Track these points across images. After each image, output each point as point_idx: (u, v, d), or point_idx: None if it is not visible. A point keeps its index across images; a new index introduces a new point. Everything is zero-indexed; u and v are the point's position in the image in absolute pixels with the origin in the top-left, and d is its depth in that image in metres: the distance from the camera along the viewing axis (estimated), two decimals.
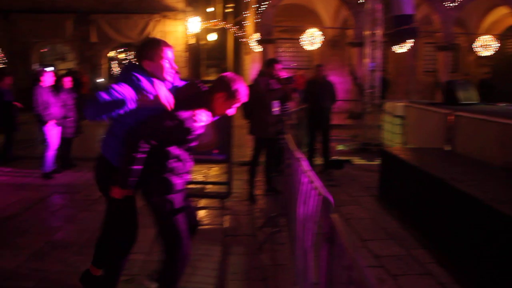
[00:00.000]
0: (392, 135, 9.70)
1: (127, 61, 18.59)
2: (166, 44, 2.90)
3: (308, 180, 2.74)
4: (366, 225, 5.22)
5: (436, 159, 5.86)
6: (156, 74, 2.79)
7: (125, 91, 2.57)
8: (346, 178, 7.59)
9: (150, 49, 2.83)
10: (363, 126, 10.92)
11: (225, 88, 2.81)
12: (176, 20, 17.74)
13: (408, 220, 5.26)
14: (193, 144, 2.94)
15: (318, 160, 8.27)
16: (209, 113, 2.83)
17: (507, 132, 5.51)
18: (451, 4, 15.30)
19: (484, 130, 5.92)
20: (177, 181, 2.87)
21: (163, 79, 2.82)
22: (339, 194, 6.52)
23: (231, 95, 2.81)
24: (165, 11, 17.60)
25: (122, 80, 2.66)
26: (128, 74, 2.71)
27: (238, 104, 2.88)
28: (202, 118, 2.77)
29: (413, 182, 5.30)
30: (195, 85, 2.95)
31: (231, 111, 2.93)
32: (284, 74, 6.32)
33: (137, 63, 2.84)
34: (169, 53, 2.86)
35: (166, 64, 2.83)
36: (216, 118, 2.95)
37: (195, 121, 2.73)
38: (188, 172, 2.99)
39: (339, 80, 15.57)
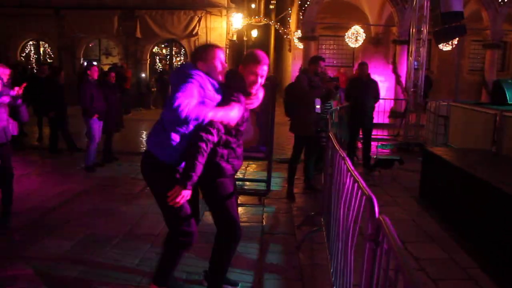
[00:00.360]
0: (435, 135, 9.49)
1: (168, 57, 18.86)
2: (218, 47, 3.11)
3: (353, 179, 2.72)
4: (406, 227, 5.13)
5: (481, 161, 5.70)
6: (209, 74, 2.93)
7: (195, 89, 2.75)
8: (386, 178, 7.48)
9: (204, 51, 3.03)
10: (405, 125, 10.73)
11: (251, 59, 3.06)
12: (219, 17, 17.87)
13: (450, 223, 5.15)
14: (242, 128, 3.13)
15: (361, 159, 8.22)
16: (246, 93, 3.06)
17: None
18: (502, 0, 14.79)
19: None
20: (227, 166, 3.08)
21: (216, 79, 2.96)
22: (379, 194, 6.43)
23: (256, 61, 3.02)
24: (209, 7, 17.76)
25: (186, 78, 2.79)
26: (190, 73, 2.83)
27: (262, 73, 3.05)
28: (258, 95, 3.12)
29: (457, 184, 5.18)
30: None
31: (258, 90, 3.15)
32: (327, 72, 6.29)
33: (192, 63, 3.01)
34: (221, 55, 3.03)
35: (219, 65, 2.99)
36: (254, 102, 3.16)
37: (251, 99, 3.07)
38: (238, 158, 3.17)
39: (382, 78, 15.37)
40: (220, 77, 2.99)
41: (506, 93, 7.22)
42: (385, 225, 1.71)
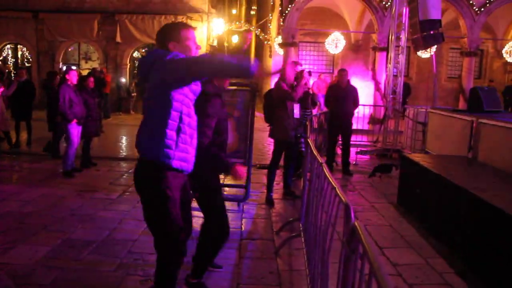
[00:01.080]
0: (413, 141, 9.61)
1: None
2: (191, 26, 2.85)
3: (330, 185, 2.74)
4: (384, 233, 5.17)
5: (458, 167, 5.79)
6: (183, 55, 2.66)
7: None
8: (364, 183, 7.55)
9: (176, 30, 2.71)
10: (384, 131, 10.85)
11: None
12: (200, 22, 17.86)
13: (427, 229, 5.20)
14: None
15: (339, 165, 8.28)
16: None
17: None
18: (479, 9, 15.08)
19: (508, 139, 5.82)
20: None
21: None
22: (357, 200, 6.49)
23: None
24: (190, 12, 17.74)
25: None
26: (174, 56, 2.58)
27: None
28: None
29: (433, 190, 5.25)
30: None
31: None
32: (305, 78, 6.33)
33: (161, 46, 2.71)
34: (194, 34, 2.78)
35: (193, 46, 2.74)
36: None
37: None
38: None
39: (361, 85, 15.51)
40: None
41: (482, 100, 7.34)
42: (360, 231, 1.72)
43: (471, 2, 14.94)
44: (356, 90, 8.33)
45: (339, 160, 8.43)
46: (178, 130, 2.59)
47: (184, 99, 2.62)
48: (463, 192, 4.48)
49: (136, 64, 19.07)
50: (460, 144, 7.02)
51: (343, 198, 2.30)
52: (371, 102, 14.56)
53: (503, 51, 16.21)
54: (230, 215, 5.57)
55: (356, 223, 1.82)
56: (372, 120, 13.74)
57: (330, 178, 2.79)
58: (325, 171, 3.03)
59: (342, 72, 8.23)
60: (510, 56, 15.84)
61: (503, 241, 3.71)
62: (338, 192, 2.46)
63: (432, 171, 5.38)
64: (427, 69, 17.42)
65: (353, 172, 8.17)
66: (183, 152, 2.64)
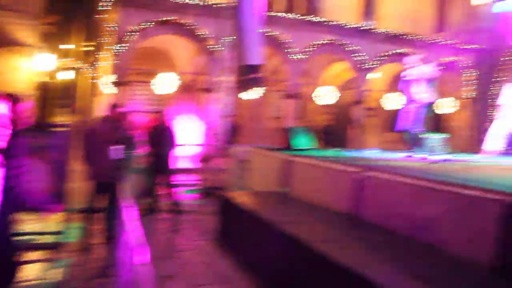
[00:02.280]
0: (237, 179, 10.07)
1: None
2: None
3: (132, 228, 2.77)
4: (203, 270, 5.30)
5: (270, 202, 6.22)
6: None
7: None
8: (188, 222, 7.66)
9: None
10: (210, 170, 11.17)
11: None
12: (26, 56, 16.69)
13: (245, 264, 5.45)
14: None
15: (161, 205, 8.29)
16: None
17: (334, 175, 6.04)
18: (299, 57, 16.59)
19: (313, 174, 6.44)
20: None
21: None
22: (179, 238, 6.57)
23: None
24: (14, 45, 16.50)
25: None
26: None
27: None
28: None
29: (247, 225, 5.54)
30: None
31: None
32: (126, 119, 6.33)
33: None
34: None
35: None
36: None
37: None
38: None
39: (191, 124, 15.89)
40: None
41: (295, 139, 8.06)
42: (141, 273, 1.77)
43: (292, 50, 16.37)
44: (173, 130, 8.55)
45: (162, 200, 8.45)
46: None
47: None
48: (272, 227, 4.81)
49: None
50: (276, 180, 7.56)
51: (137, 241, 2.34)
52: (201, 141, 14.93)
53: (313, 95, 18.01)
54: (44, 266, 5.26)
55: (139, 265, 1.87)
56: (203, 158, 14.07)
57: (132, 221, 2.81)
58: (129, 213, 3.05)
59: (160, 113, 8.46)
60: (324, 99, 17.66)
61: (303, 268, 4.06)
62: (135, 234, 2.49)
63: (246, 208, 5.69)
64: (254, 110, 18.53)
65: (178, 211, 8.24)
66: None
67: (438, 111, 18.10)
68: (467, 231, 3.90)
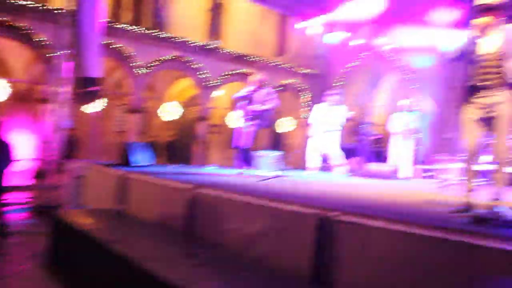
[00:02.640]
0: (73, 196, 9.53)
1: None
2: None
3: None
4: None
5: (104, 221, 5.99)
6: None
7: None
8: (15, 245, 7.05)
9: None
10: (44, 187, 10.44)
11: None
12: None
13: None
14: None
15: None
16: None
17: (168, 192, 6.03)
18: (144, 71, 16.33)
19: (148, 191, 6.37)
20: None
21: None
22: (2, 264, 6.00)
23: None
24: None
25: None
26: None
27: None
28: None
29: (80, 246, 5.26)
30: None
31: None
32: None
33: None
34: None
35: None
36: None
37: None
38: None
39: (27, 137, 14.70)
40: None
41: (133, 155, 7.89)
42: None
43: (135, 64, 16.06)
44: (9, 144, 7.83)
45: None
46: None
47: None
48: (102, 246, 4.63)
49: None
50: (113, 197, 7.31)
51: None
52: (35, 155, 13.87)
53: (158, 110, 17.92)
54: None
55: None
56: (37, 174, 13.09)
57: None
58: None
59: None
60: (168, 114, 17.64)
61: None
62: None
63: (78, 226, 5.41)
64: (95, 124, 17.77)
65: (3, 233, 7.52)
66: None
67: (277, 130, 19.24)
68: (290, 244, 4.16)
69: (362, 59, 17.02)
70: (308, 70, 19.36)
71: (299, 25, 15.84)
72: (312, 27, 15.19)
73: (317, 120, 10.45)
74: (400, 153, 11.31)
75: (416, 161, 11.97)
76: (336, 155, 10.35)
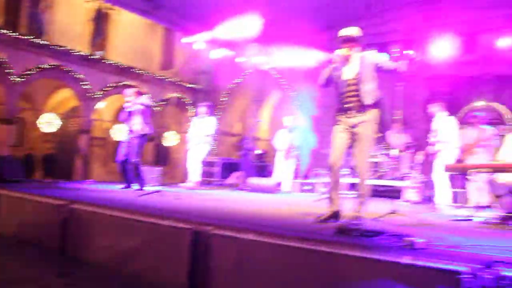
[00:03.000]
0: None
1: None
2: None
3: None
4: None
5: None
6: None
7: None
8: None
9: None
10: None
11: None
12: None
13: None
14: None
15: None
16: None
17: (39, 208, 5.78)
18: (18, 79, 15.34)
19: (20, 207, 6.06)
20: None
21: None
22: None
23: None
24: None
25: None
26: None
27: None
28: None
29: None
30: None
31: None
32: None
33: None
34: None
35: None
36: None
37: None
38: None
39: None
40: None
41: (3, 169, 7.43)
42: None
43: (9, 71, 15.05)
44: None
45: None
46: None
47: None
48: None
49: None
50: None
51: None
52: None
53: (36, 121, 16.92)
54: None
55: None
56: None
57: None
58: None
59: None
60: (47, 126, 16.69)
61: None
62: None
63: None
64: None
65: None
66: None
67: (162, 144, 19.09)
68: (167, 259, 4.22)
69: (246, 76, 17.55)
70: (194, 85, 19.52)
71: (185, 39, 15.93)
72: (197, 42, 15.38)
73: (191, 133, 10.69)
74: (283, 168, 11.86)
75: (297, 176, 12.62)
76: (195, 169, 10.60)
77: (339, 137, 5.18)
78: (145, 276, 4.31)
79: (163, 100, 18.79)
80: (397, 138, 11.59)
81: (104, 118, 18.82)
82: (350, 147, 5.28)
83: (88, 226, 4.95)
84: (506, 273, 2.63)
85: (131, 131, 8.72)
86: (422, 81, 13.91)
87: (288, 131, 12.04)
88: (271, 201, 8.24)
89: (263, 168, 14.88)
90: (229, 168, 14.63)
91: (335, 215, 5.07)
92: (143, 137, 8.73)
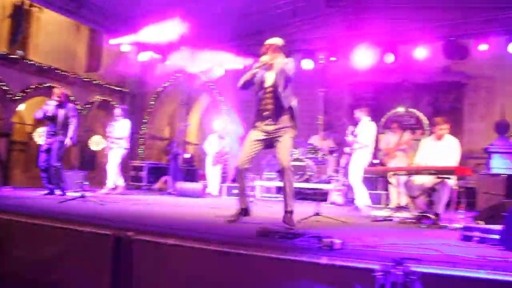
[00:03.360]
0: None
1: None
2: None
3: None
4: None
5: None
6: None
7: None
8: None
9: None
10: None
11: None
12: None
13: None
14: None
15: None
16: None
17: None
18: None
19: None
20: None
21: None
22: None
23: None
24: None
25: None
26: None
27: None
28: None
29: None
30: None
31: None
32: None
33: None
34: None
35: None
36: None
37: None
38: None
39: None
40: None
41: None
42: None
43: None
44: None
45: None
46: None
47: None
48: None
49: None
50: None
51: None
52: None
53: None
54: None
55: None
56: None
57: None
58: None
59: None
60: None
61: None
62: None
63: None
64: None
65: None
66: None
67: (88, 148, 18.49)
68: (89, 265, 4.13)
69: (175, 80, 17.42)
70: (121, 88, 19.09)
71: (112, 41, 15.54)
72: (123, 44, 15.05)
73: (109, 137, 10.57)
74: (212, 172, 11.90)
75: (226, 180, 12.69)
76: (112, 173, 10.48)
77: (251, 142, 5.39)
78: (66, 285, 4.20)
79: (88, 103, 18.22)
80: (321, 142, 11.96)
81: (25, 121, 17.97)
82: (263, 152, 5.52)
83: (3, 236, 4.72)
84: (415, 269, 2.81)
85: (52, 134, 8.44)
86: (346, 86, 14.46)
87: (219, 137, 12.10)
88: (197, 205, 8.25)
89: (191, 172, 14.81)
90: (157, 172, 14.46)
91: (244, 213, 5.35)
92: (63, 142, 8.49)
